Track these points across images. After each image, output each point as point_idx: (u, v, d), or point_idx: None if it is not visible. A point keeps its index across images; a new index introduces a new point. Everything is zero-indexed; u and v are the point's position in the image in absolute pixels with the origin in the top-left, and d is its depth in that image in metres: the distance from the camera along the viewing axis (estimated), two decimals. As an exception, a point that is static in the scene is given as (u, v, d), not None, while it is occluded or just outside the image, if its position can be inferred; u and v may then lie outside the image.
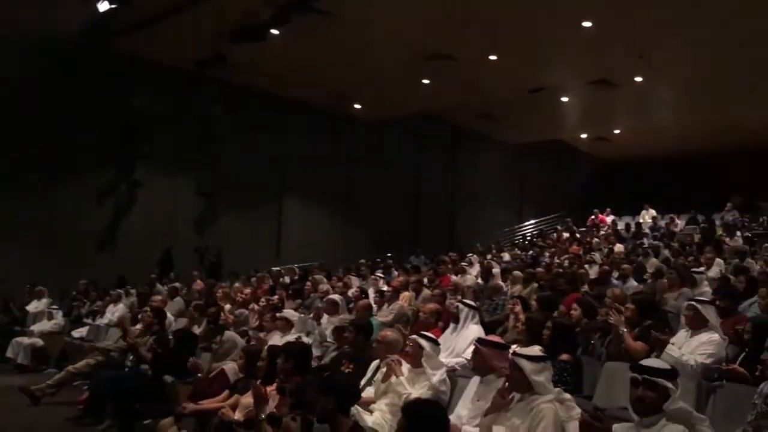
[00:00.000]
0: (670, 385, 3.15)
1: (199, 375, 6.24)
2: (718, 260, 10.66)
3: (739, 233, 14.12)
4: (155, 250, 15.68)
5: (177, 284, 12.90)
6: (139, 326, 8.64)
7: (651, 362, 3.32)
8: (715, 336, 4.87)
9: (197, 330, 8.86)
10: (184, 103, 16.09)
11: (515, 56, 14.39)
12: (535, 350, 4.10)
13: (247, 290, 11.10)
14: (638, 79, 15.88)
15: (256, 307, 9.91)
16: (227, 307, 10.10)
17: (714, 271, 10.15)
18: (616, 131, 21.49)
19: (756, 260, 10.65)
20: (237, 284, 13.30)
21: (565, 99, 18.12)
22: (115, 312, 11.26)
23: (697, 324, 5.00)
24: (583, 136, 22.33)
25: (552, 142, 22.39)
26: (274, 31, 11.12)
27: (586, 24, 12.75)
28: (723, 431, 3.86)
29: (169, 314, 9.57)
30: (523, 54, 14.25)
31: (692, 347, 4.89)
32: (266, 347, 5.60)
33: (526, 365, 3.82)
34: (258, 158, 17.87)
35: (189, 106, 16.10)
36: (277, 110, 18.01)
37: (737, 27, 12.33)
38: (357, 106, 18.63)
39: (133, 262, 14.84)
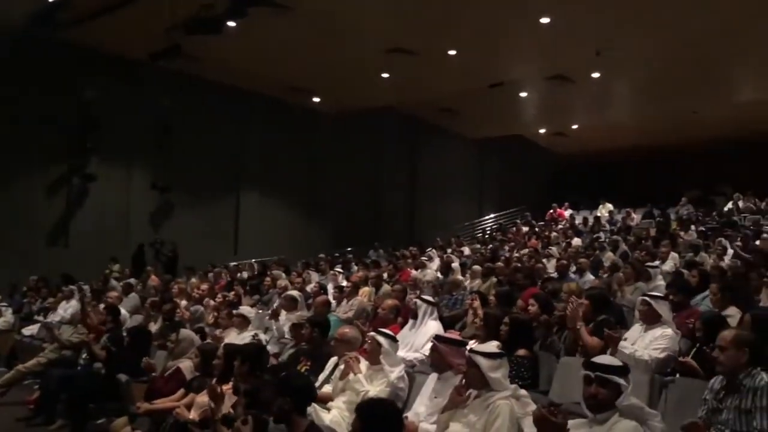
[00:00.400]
0: (622, 381, 3.18)
1: (154, 374, 6.12)
2: (673, 254, 10.84)
3: (693, 227, 14.37)
4: (109, 245, 15.37)
5: (132, 280, 12.66)
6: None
7: (603, 359, 3.33)
8: (669, 331, 4.93)
9: (153, 327, 8.72)
10: (139, 96, 15.82)
11: (474, 51, 14.45)
12: (492, 347, 4.12)
13: (204, 286, 10.94)
14: (595, 75, 16.11)
15: (212, 303, 9.78)
16: (183, 303, 9.93)
17: (669, 265, 10.33)
18: (574, 126, 21.76)
19: (709, 254, 10.85)
20: (193, 280, 13.12)
21: (523, 94, 18.28)
22: (68, 309, 10.97)
23: (651, 319, 5.05)
24: (542, 131, 22.56)
25: (511, 136, 22.56)
26: (231, 23, 10.94)
27: (544, 20, 12.87)
28: (675, 425, 3.93)
29: (123, 311, 9.39)
30: (482, 49, 14.31)
31: (646, 342, 4.95)
32: (222, 345, 5.51)
33: (483, 362, 3.83)
34: (215, 151, 17.66)
35: (144, 98, 15.83)
36: (234, 103, 17.80)
37: (691, 25, 12.57)
38: (316, 99, 18.50)
39: (86, 258, 14.51)
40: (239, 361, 4.70)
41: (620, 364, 3.28)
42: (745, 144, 20.76)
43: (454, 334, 6.65)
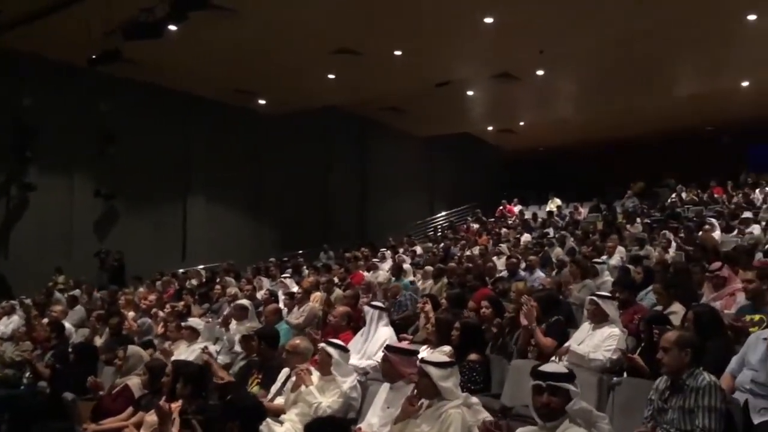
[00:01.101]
0: (573, 388, 3.20)
1: (101, 393, 5.95)
2: (620, 248, 11.08)
3: (638, 220, 14.67)
4: (51, 256, 14.91)
5: (77, 292, 12.31)
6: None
7: (551, 367, 3.36)
8: (616, 330, 5.02)
9: (98, 341, 8.49)
10: (79, 102, 15.39)
11: (420, 51, 14.48)
12: (443, 356, 4.14)
13: (152, 296, 10.67)
14: (540, 72, 16.33)
15: (160, 314, 9.57)
16: (131, 314, 9.70)
17: (615, 259, 10.55)
18: (521, 123, 22.04)
19: (654, 247, 11.09)
20: (141, 289, 12.83)
21: (470, 92, 18.41)
22: (9, 324, 10.60)
23: (599, 318, 5.14)
24: (490, 128, 22.77)
25: (460, 134, 22.73)
26: (172, 27, 10.71)
27: (488, 20, 12.98)
28: (622, 426, 3.99)
29: (68, 325, 9.13)
30: (428, 49, 14.35)
31: (595, 341, 5.03)
32: (171, 362, 5.38)
33: (434, 372, 3.84)
34: (160, 157, 17.27)
35: (84, 104, 15.40)
36: (178, 107, 17.48)
37: (631, 23, 12.85)
38: (261, 101, 18.28)
39: (27, 269, 14.06)
40: (181, 383, 4.57)
41: (566, 371, 3.31)
42: (686, 136, 21.38)
43: (406, 341, 6.73)
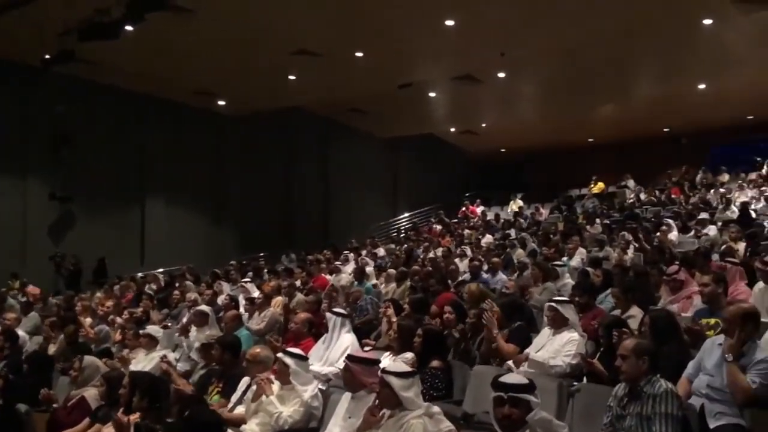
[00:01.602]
0: (534, 399, 3.21)
1: (55, 405, 5.79)
2: (581, 249, 11.20)
3: (598, 220, 14.87)
4: (3, 261, 14.49)
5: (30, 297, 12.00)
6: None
7: (512, 378, 3.35)
8: (575, 335, 5.06)
9: (52, 349, 8.29)
10: (33, 103, 14.98)
11: (381, 53, 14.46)
12: (404, 365, 4.13)
13: (109, 303, 10.41)
14: (501, 75, 16.44)
15: (118, 320, 9.37)
16: (88, 321, 9.47)
17: (576, 261, 10.68)
18: (484, 125, 22.16)
19: (614, 248, 11.24)
20: (99, 294, 12.56)
21: (432, 94, 18.45)
22: (-40, 333, 10.27)
23: (559, 323, 5.18)
24: (452, 129, 22.86)
25: (423, 135, 22.77)
26: (129, 27, 10.49)
27: (449, 23, 13.02)
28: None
29: (22, 333, 8.89)
30: (389, 51, 14.33)
31: (555, 347, 5.07)
32: (128, 374, 5.26)
33: (395, 382, 3.82)
34: (117, 158, 16.93)
35: (39, 105, 15.00)
36: (136, 108, 17.15)
37: (591, 26, 13.01)
38: (221, 102, 18.05)
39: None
40: (138, 396, 4.46)
41: (527, 381, 3.32)
42: (645, 138, 21.77)
43: (368, 346, 6.70)
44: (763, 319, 4.56)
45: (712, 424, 3.70)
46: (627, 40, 13.66)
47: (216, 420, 3.81)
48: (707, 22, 13.08)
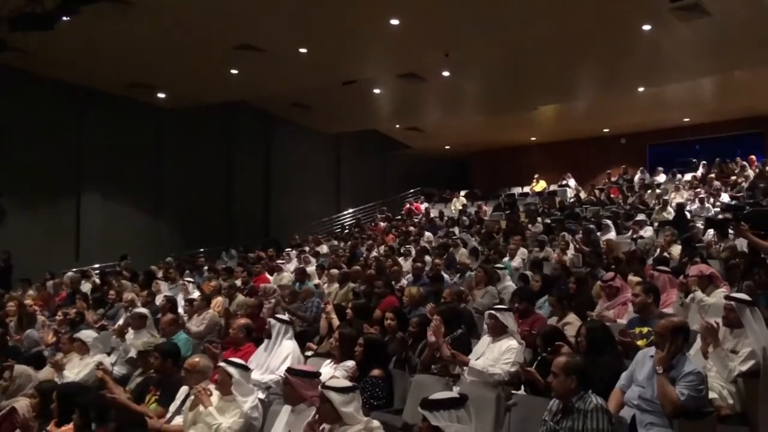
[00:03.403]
0: (434, 415, 3.31)
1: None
2: (522, 250, 11.37)
3: (539, 219, 15.11)
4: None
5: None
6: None
7: (441, 395, 3.46)
8: (514, 343, 5.14)
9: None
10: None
11: (325, 50, 14.31)
12: (344, 381, 4.12)
13: (29, 302, 10.00)
14: (446, 73, 16.54)
15: (46, 321, 9.08)
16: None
17: (517, 261, 10.85)
18: (428, 122, 22.25)
19: (554, 248, 11.43)
20: (30, 292, 12.12)
21: (377, 91, 18.44)
22: None
23: (498, 331, 5.25)
24: (397, 126, 22.87)
25: (368, 131, 22.73)
26: (64, 18, 10.09)
27: (394, 21, 12.99)
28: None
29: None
30: (333, 48, 14.21)
31: (495, 354, 5.13)
32: (57, 387, 5.09)
33: (335, 397, 3.82)
34: (51, 151, 16.24)
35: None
36: (72, 99, 16.52)
37: (533, 29, 13.18)
38: (161, 95, 17.59)
39: None
40: (77, 414, 4.31)
41: (456, 395, 3.43)
42: (585, 138, 22.26)
43: (310, 350, 6.67)
44: (702, 322, 4.75)
45: (643, 435, 3.82)
46: (569, 43, 13.89)
47: None
48: (647, 27, 13.42)
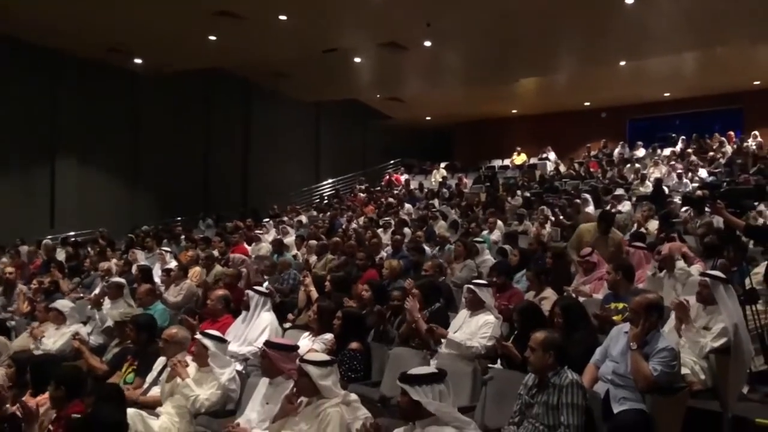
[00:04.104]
0: (415, 389, 3.34)
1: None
2: (500, 224, 11.42)
3: (519, 192, 15.18)
4: None
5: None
6: None
7: (420, 370, 3.48)
8: (491, 318, 5.18)
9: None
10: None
11: (305, 17, 14.10)
12: (322, 355, 4.14)
13: (9, 269, 9.87)
14: (427, 43, 16.38)
15: (24, 289, 8.97)
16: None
17: (496, 235, 10.90)
18: (409, 92, 22.12)
19: (533, 222, 11.50)
20: (3, 259, 11.97)
21: (358, 60, 18.24)
22: None
23: (476, 305, 5.28)
24: (378, 96, 22.71)
25: (348, 101, 22.56)
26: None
27: (375, -11, 12.85)
28: (495, 415, 4.15)
29: None
30: (313, 15, 13.99)
31: (472, 328, 5.17)
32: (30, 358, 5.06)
33: (313, 371, 3.84)
34: (24, 117, 15.89)
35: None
36: (46, 64, 16.12)
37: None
38: (138, 60, 17.25)
39: None
40: (52, 386, 4.27)
41: (435, 371, 3.46)
42: (566, 111, 22.29)
43: (289, 323, 6.67)
44: (674, 300, 4.83)
45: (615, 409, 3.87)
46: (551, 15, 13.83)
47: (118, 420, 3.67)
48: (629, 1, 13.36)
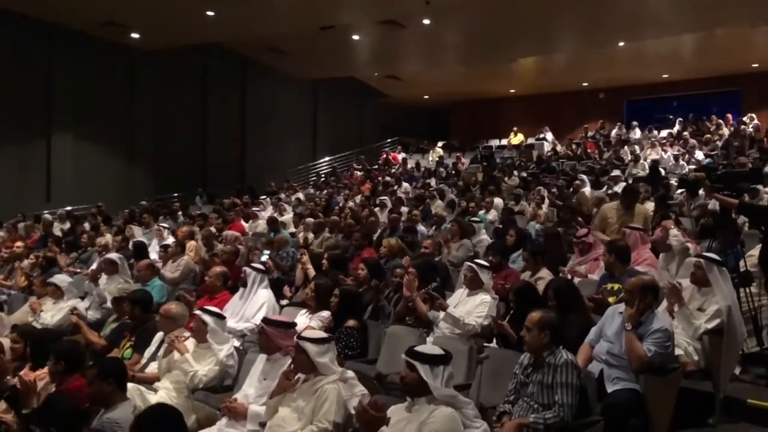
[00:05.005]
0: (425, 368, 3.30)
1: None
2: (497, 202, 11.44)
3: (516, 172, 15.18)
4: None
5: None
6: None
7: (426, 348, 3.47)
8: (488, 297, 5.22)
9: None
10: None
11: (304, -7, 14.04)
12: (320, 332, 4.17)
13: (19, 243, 9.87)
14: (426, 21, 16.27)
15: (22, 265, 8.98)
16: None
17: (492, 214, 10.93)
18: (407, 70, 22.01)
19: (529, 202, 11.52)
20: (1, 234, 11.97)
21: (356, 37, 18.12)
22: None
23: (475, 285, 5.31)
24: (376, 73, 22.59)
25: (346, 78, 22.42)
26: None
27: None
28: (491, 393, 4.19)
29: None
30: (312, -9, 13.94)
31: (468, 307, 5.21)
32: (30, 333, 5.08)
33: (311, 348, 3.85)
34: (20, 90, 15.80)
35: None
36: (42, 37, 16.00)
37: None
38: (135, 35, 17.10)
39: None
40: (52, 360, 4.30)
41: (441, 352, 3.41)
42: (564, 91, 22.23)
43: (285, 299, 6.71)
44: (666, 282, 4.87)
45: (609, 388, 3.93)
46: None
47: (74, 408, 3.63)
48: (629, -20, 13.33)
